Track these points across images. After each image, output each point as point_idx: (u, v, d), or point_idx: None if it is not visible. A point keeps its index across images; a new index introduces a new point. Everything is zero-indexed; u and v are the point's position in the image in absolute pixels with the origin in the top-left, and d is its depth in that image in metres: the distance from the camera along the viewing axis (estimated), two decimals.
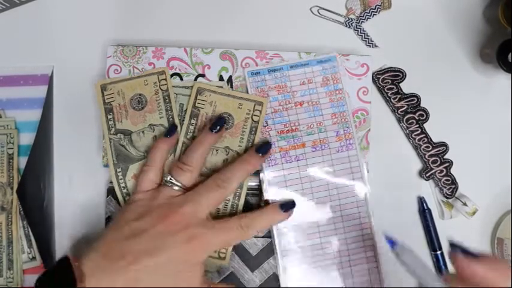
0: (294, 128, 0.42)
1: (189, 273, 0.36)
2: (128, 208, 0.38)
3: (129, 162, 0.41)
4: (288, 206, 0.39)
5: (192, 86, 0.42)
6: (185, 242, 0.36)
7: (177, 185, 0.38)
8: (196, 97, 0.42)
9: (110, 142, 0.41)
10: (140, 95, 0.42)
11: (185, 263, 0.35)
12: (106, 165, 0.42)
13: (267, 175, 0.41)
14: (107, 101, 0.41)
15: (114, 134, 0.41)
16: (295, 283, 0.41)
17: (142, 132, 0.42)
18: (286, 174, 0.41)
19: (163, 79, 0.42)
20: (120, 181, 0.41)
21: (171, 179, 0.38)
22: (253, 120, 0.41)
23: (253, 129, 0.41)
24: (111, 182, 0.42)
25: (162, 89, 0.42)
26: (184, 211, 0.37)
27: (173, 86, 0.42)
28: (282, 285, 0.41)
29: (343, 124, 0.42)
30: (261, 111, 0.41)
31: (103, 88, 0.41)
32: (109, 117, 0.41)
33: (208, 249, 0.37)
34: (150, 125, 0.42)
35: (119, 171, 0.41)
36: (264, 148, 0.40)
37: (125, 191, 0.41)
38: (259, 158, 0.40)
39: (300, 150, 0.42)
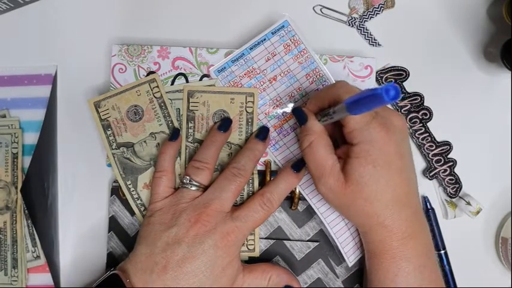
0: (277, 103, 0.42)
1: (230, 270, 0.37)
2: (153, 220, 0.38)
3: (137, 173, 0.41)
4: (299, 165, 0.39)
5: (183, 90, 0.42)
6: (220, 241, 0.36)
7: (195, 185, 0.39)
8: (188, 100, 0.42)
9: (114, 157, 0.41)
10: (135, 106, 0.42)
11: (224, 260, 0.36)
12: (109, 165, 0.42)
13: (273, 154, 0.42)
14: (103, 117, 0.41)
15: (116, 149, 0.41)
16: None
17: (145, 142, 0.42)
18: (289, 147, 0.42)
19: (155, 87, 0.42)
20: (133, 193, 0.41)
21: (190, 180, 0.39)
22: (247, 111, 0.42)
23: (250, 120, 0.42)
24: (115, 181, 0.42)
25: (156, 97, 0.42)
26: (211, 210, 0.37)
27: (166, 92, 0.42)
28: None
29: (320, 80, 0.42)
30: (253, 102, 0.42)
31: (96, 105, 0.41)
32: (108, 133, 0.41)
33: (242, 240, 0.38)
34: (151, 133, 0.42)
35: (129, 184, 0.41)
36: (263, 134, 0.41)
37: (139, 202, 0.41)
38: (262, 143, 0.41)
39: (292, 121, 0.43)
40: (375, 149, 0.34)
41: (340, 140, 0.38)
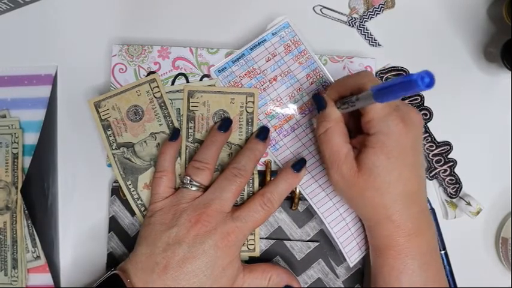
0: (277, 104, 0.42)
1: (230, 270, 0.37)
2: (154, 220, 0.38)
3: (137, 173, 0.41)
4: (299, 165, 0.40)
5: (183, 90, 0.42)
6: (220, 241, 0.36)
7: (195, 185, 0.39)
8: (188, 100, 0.42)
9: (114, 157, 0.41)
10: (136, 106, 0.42)
11: (224, 260, 0.36)
12: (110, 165, 0.42)
13: (273, 154, 0.42)
14: (103, 117, 0.41)
15: (116, 149, 0.41)
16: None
17: (145, 142, 0.42)
18: (290, 147, 0.42)
19: (155, 87, 0.42)
20: (133, 193, 0.41)
21: (191, 180, 0.39)
22: (247, 111, 0.42)
23: (250, 120, 0.42)
24: (116, 182, 0.42)
25: (156, 97, 0.42)
26: (211, 210, 0.37)
27: (166, 92, 0.42)
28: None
29: (320, 80, 0.42)
30: (253, 102, 0.42)
31: (97, 105, 0.41)
32: (108, 133, 0.41)
33: (243, 240, 0.38)
34: (151, 133, 0.42)
35: (129, 184, 0.41)
36: (263, 134, 0.41)
37: (139, 202, 0.41)
38: (263, 143, 0.41)
39: (292, 121, 0.43)
40: (391, 140, 0.34)
41: (354, 131, 0.38)
